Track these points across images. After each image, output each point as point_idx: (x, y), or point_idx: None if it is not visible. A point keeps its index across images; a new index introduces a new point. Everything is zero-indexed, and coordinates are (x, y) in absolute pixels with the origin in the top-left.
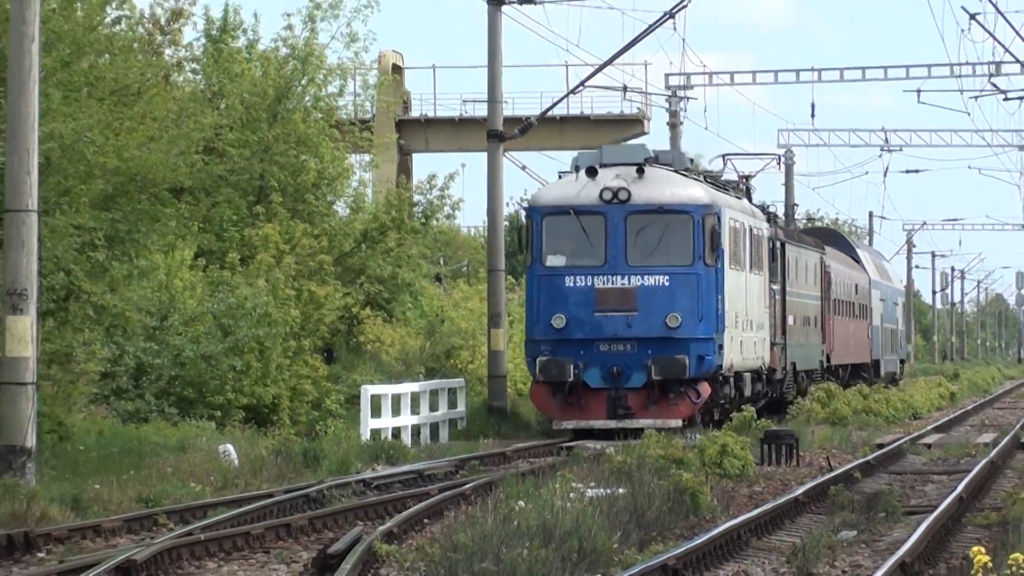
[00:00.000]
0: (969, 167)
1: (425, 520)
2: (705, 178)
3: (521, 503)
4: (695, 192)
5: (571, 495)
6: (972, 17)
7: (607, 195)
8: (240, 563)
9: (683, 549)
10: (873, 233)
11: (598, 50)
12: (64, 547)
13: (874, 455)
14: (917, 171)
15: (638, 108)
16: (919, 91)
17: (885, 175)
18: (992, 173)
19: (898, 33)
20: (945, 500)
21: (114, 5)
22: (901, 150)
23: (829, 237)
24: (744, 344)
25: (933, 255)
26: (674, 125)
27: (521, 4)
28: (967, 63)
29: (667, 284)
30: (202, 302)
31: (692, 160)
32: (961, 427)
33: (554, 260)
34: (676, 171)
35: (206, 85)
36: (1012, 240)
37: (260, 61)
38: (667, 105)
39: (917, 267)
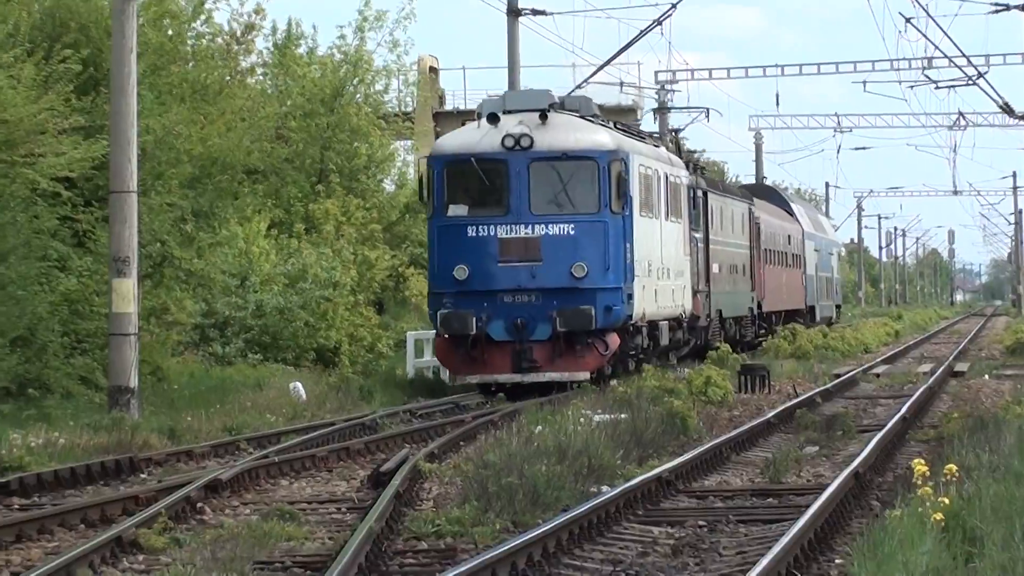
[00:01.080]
0: (907, 144)
1: (460, 443)
2: (615, 124)
3: (540, 427)
4: (600, 137)
5: (581, 420)
6: (908, 21)
7: (509, 142)
8: (308, 480)
9: (675, 463)
10: (829, 200)
11: (599, 52)
12: (162, 469)
13: (832, 383)
14: (865, 148)
15: (633, 100)
16: (865, 83)
17: (838, 152)
18: (927, 149)
19: (847, 35)
20: (891, 420)
21: (197, 21)
22: (852, 131)
23: (763, 191)
24: (660, 292)
25: (879, 217)
26: (662, 113)
27: (535, 15)
28: (904, 59)
29: (572, 233)
30: (275, 265)
31: (600, 106)
32: (904, 359)
33: (455, 210)
34: (582, 117)
35: (274, 85)
36: (944, 204)
37: (319, 65)
38: (656, 97)
39: (866, 227)
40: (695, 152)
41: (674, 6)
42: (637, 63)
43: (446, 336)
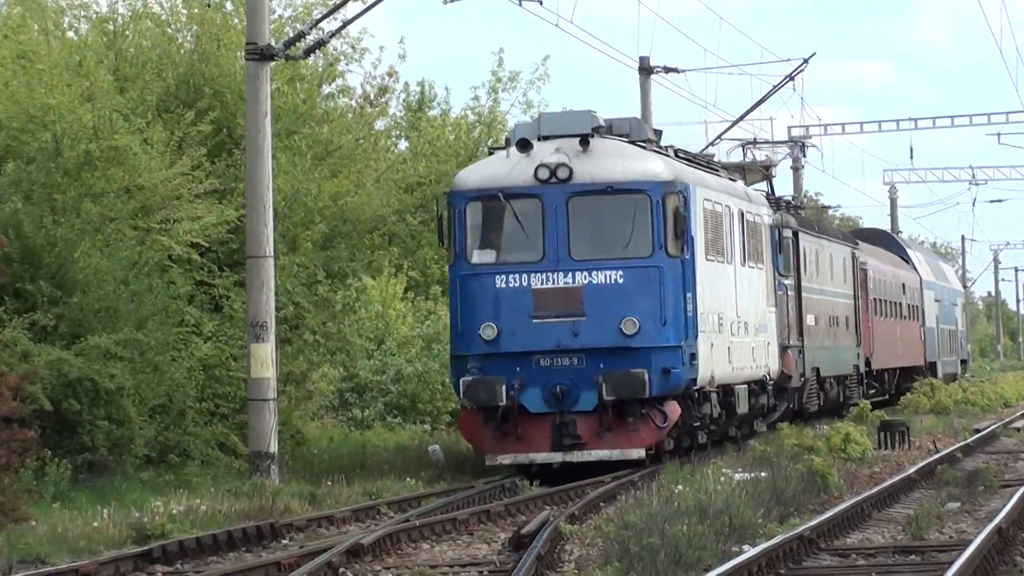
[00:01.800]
0: None
1: (601, 504)
2: (675, 151)
3: (680, 487)
4: (653, 166)
5: (721, 479)
6: None
7: (543, 173)
8: (449, 543)
9: (816, 521)
10: (965, 253)
11: (732, 108)
12: (303, 535)
13: (972, 438)
14: (1001, 200)
15: (765, 156)
16: (999, 134)
17: (974, 205)
18: None
19: (979, 86)
20: None
21: (330, 84)
22: (987, 183)
23: (874, 236)
24: (735, 351)
25: (1016, 269)
26: (796, 169)
27: (667, 72)
28: None
29: (621, 281)
30: (412, 328)
31: (658, 132)
32: None
33: (481, 256)
34: (632, 142)
35: (408, 147)
36: None
37: (452, 127)
38: (790, 152)
39: (1004, 280)
40: (829, 207)
41: (806, 61)
42: (770, 118)
43: (473, 408)
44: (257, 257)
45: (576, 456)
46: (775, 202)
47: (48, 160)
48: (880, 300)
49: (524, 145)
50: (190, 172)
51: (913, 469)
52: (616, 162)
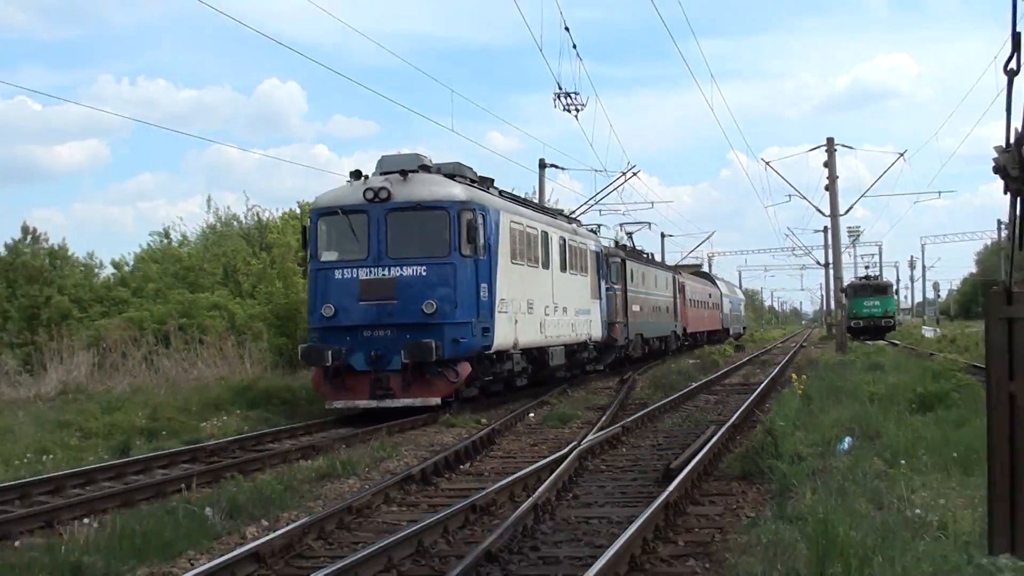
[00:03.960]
0: None
1: (650, 368)
2: (500, 192)
3: (676, 364)
4: (452, 191)
5: (674, 365)
6: None
7: (369, 195)
8: (602, 383)
9: (714, 376)
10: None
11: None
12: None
13: (762, 350)
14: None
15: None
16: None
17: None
18: None
19: None
20: (783, 361)
21: None
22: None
23: (700, 273)
24: (548, 324)
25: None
26: (630, 234)
27: (555, 168)
28: None
29: (424, 274)
30: None
31: (488, 179)
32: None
33: (327, 255)
34: (444, 175)
35: None
36: None
37: None
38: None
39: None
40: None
41: (633, 171)
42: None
43: (319, 366)
44: None
45: (388, 403)
46: (619, 245)
47: None
48: (693, 300)
49: (357, 175)
50: None
51: (747, 357)
52: (426, 187)
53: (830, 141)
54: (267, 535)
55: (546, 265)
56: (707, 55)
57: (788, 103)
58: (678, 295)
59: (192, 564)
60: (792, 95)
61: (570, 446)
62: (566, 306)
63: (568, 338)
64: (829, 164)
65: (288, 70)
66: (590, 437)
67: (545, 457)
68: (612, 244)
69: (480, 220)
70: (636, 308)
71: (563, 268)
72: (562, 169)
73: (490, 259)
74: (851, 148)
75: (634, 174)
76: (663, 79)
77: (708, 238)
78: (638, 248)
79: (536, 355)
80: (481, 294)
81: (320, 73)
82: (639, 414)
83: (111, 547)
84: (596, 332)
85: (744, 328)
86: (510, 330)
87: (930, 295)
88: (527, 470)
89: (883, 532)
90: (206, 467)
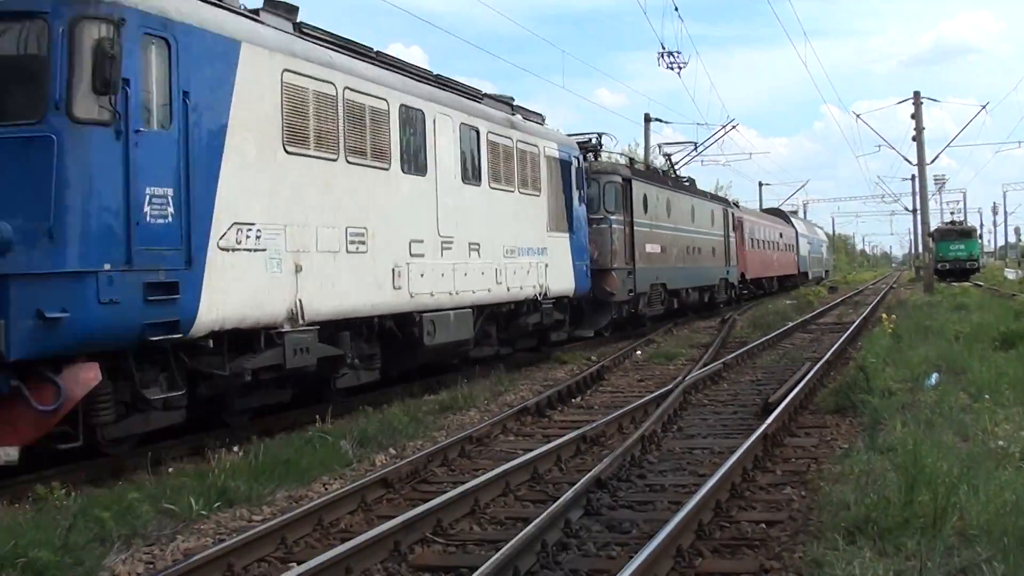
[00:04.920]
0: None
1: (748, 309)
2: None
3: (772, 305)
4: None
5: (772, 306)
6: None
7: None
8: (705, 322)
9: (810, 315)
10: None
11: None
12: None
13: (855, 291)
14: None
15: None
16: None
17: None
18: None
19: None
20: (874, 302)
21: None
22: None
23: (775, 212)
24: (419, 273)
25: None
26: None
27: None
28: None
29: None
30: None
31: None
32: None
33: None
34: None
35: None
36: None
37: None
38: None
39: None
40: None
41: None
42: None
43: None
44: None
45: None
46: (630, 164)
47: None
48: (757, 240)
49: None
50: None
51: (840, 298)
52: None
53: (916, 95)
54: (395, 462)
55: (421, 170)
56: (800, 15)
57: (876, 59)
58: (732, 234)
59: (326, 488)
60: (879, 51)
61: (675, 382)
62: (479, 241)
63: (485, 295)
64: (916, 116)
65: (413, 35)
66: (693, 373)
67: (651, 392)
68: (613, 161)
69: (148, 46)
70: (653, 249)
71: (472, 178)
72: (666, 123)
73: (195, 135)
74: (936, 100)
75: (733, 127)
76: (759, 38)
77: (803, 186)
78: (675, 173)
79: (390, 328)
80: (152, 208)
81: (441, 38)
82: (739, 352)
83: (253, 472)
84: (562, 283)
85: (827, 272)
86: (272, 286)
87: (1012, 239)
88: (634, 404)
89: (968, 462)
90: (340, 400)
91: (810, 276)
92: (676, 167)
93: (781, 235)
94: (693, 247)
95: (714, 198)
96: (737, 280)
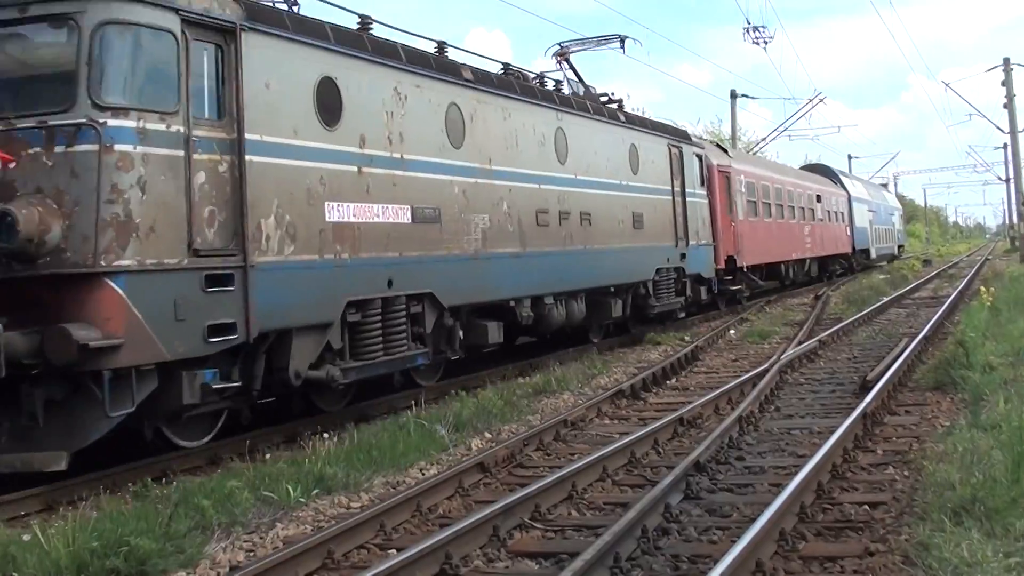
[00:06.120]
0: None
1: (843, 284)
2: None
3: (877, 276)
4: None
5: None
6: None
7: None
8: (800, 299)
9: (904, 289)
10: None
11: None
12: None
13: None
14: None
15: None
16: None
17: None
18: None
19: None
20: (970, 274)
21: None
22: None
23: (818, 168)
24: None
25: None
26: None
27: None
28: None
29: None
30: None
31: None
32: None
33: None
34: None
35: None
36: None
37: None
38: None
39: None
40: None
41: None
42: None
43: None
44: None
45: None
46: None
47: None
48: (756, 203)
49: None
50: None
51: (935, 272)
52: None
53: (1006, 61)
54: (491, 447)
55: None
56: None
57: (963, 25)
58: (704, 193)
59: (423, 473)
60: (967, 17)
61: (770, 361)
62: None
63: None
64: (1007, 83)
65: (495, 19)
66: (789, 352)
67: (747, 372)
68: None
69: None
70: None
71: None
72: (752, 98)
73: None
74: None
75: (821, 100)
76: (842, 7)
77: (893, 158)
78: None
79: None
80: None
81: (523, 20)
82: (834, 328)
83: (349, 459)
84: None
85: (900, 247)
86: None
87: None
88: (730, 384)
89: None
90: (433, 384)
91: (873, 254)
92: (760, 143)
93: (819, 199)
94: (584, 213)
95: (655, 127)
96: (714, 270)
